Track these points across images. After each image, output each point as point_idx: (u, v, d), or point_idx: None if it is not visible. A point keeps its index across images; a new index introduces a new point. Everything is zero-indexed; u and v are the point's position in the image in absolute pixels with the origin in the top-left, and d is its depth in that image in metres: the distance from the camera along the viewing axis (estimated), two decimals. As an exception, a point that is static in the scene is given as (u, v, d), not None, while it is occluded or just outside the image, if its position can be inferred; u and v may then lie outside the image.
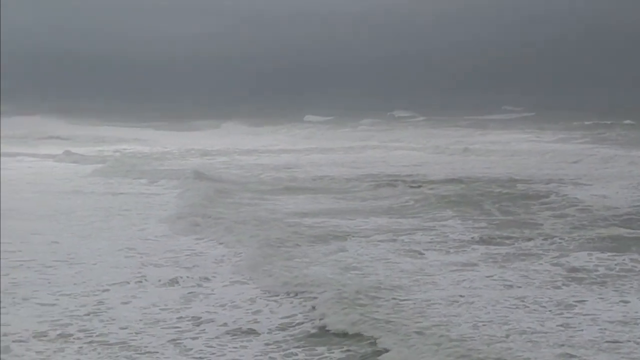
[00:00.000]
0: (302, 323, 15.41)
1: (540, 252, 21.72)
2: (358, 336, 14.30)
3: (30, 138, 78.25)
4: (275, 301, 16.96)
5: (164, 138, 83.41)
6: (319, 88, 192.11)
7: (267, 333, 14.84)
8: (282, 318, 15.71)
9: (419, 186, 36.94)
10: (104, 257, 21.67)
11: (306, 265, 20.06)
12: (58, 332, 15.02)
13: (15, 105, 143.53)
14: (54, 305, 16.86)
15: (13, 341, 14.16)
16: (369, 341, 14.00)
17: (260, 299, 17.22)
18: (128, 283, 18.84)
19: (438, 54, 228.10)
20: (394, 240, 23.29)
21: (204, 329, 15.22)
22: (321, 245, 22.75)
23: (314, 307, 16.10)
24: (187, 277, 19.24)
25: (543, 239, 23.27)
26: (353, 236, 24.11)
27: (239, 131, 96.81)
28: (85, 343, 14.39)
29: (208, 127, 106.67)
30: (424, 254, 21.50)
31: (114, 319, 15.82)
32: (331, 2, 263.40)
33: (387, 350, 13.35)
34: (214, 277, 19.36)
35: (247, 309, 16.48)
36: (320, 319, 15.30)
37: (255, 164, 51.85)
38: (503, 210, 29.34)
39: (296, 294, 17.29)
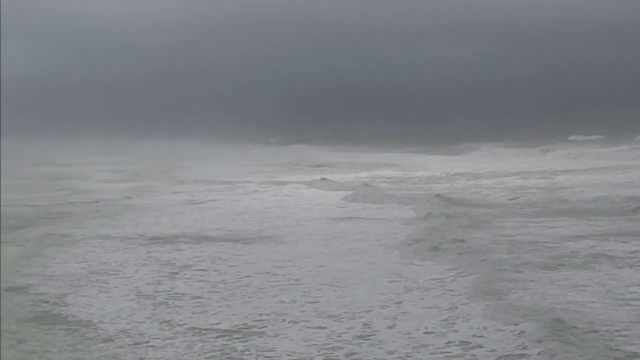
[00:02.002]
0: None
1: None
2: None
3: (293, 165, 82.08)
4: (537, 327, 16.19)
5: (422, 162, 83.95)
6: (583, 106, 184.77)
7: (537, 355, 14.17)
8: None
9: None
10: (367, 281, 21.87)
11: (563, 293, 19.15)
12: (325, 356, 15.14)
13: (285, 135, 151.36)
14: (322, 328, 17.07)
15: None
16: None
17: (524, 322, 16.48)
18: (389, 306, 18.85)
19: None
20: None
21: (475, 355, 14.79)
22: (586, 272, 21.64)
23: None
24: (447, 301, 18.98)
25: None
26: (626, 262, 22.67)
27: (499, 153, 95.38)
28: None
29: (467, 150, 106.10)
30: None
31: (381, 343, 15.78)
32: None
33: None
34: (470, 302, 18.90)
35: (511, 331, 15.89)
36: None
37: (520, 185, 50.66)
38: None
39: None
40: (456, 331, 16.46)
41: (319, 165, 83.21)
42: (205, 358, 15.17)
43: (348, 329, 16.98)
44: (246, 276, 22.96)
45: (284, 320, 17.81)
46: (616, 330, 15.82)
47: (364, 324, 17.34)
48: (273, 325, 17.44)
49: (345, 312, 18.43)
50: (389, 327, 17.07)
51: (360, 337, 16.38)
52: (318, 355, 15.23)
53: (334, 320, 17.76)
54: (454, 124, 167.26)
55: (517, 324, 16.19)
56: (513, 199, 42.48)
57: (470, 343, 15.56)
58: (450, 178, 60.36)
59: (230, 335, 16.57)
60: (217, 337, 16.50)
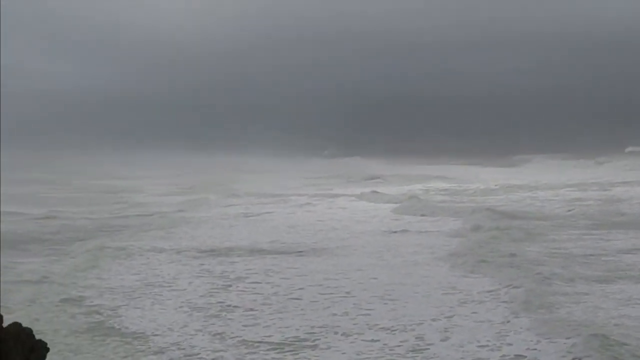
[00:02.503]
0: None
1: None
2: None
3: (347, 178, 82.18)
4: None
5: (477, 174, 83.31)
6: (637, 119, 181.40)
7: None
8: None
9: None
10: (419, 294, 21.74)
11: (617, 307, 18.84)
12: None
13: (339, 147, 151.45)
14: (375, 341, 17.00)
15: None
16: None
17: (574, 337, 16.22)
18: (441, 319, 18.71)
19: None
20: None
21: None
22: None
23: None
24: (499, 314, 18.79)
25: None
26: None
27: (554, 164, 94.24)
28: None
29: (522, 161, 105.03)
30: None
31: (435, 356, 15.69)
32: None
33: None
34: (522, 315, 18.67)
35: (564, 344, 15.66)
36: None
37: (576, 197, 50.00)
38: None
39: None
40: (510, 344, 16.26)
41: (372, 178, 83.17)
42: (257, 371, 15.24)
43: (401, 342, 16.86)
44: (299, 288, 23.00)
45: (336, 333, 17.77)
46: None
47: (417, 337, 17.22)
48: (325, 337, 17.41)
49: (398, 325, 18.32)
50: (442, 340, 16.93)
51: (413, 350, 16.26)
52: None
53: (387, 333, 17.67)
54: (509, 135, 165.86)
55: (569, 338, 15.98)
56: (569, 211, 41.94)
57: (525, 357, 15.39)
58: (504, 190, 59.74)
59: (282, 348, 16.58)
60: (268, 349, 16.53)
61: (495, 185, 61.97)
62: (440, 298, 21.01)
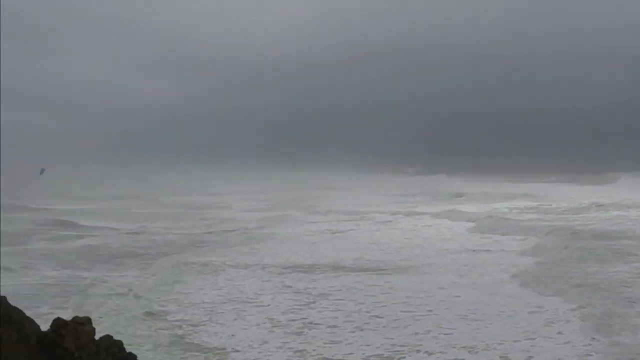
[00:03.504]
0: None
1: None
2: None
3: (430, 196, 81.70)
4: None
5: (565, 192, 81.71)
6: None
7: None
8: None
9: None
10: (503, 313, 21.45)
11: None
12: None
13: (424, 165, 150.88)
14: (458, 360, 16.92)
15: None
16: None
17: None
18: (524, 340, 18.43)
19: None
20: None
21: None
22: None
23: None
24: (581, 335, 18.43)
25: None
26: None
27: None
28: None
29: (614, 178, 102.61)
30: None
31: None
32: None
33: None
34: (604, 338, 18.23)
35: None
36: None
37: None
38: None
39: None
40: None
41: (457, 196, 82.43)
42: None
43: (485, 363, 16.71)
44: (382, 306, 22.95)
45: (418, 352, 17.67)
46: None
47: (501, 357, 17.01)
48: (409, 356, 17.33)
49: (480, 344, 18.11)
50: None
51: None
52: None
53: (469, 352, 17.50)
54: (600, 152, 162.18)
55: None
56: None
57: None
58: (593, 208, 58.39)
59: (363, 367, 16.58)
60: (349, 367, 16.55)
61: (584, 204, 60.59)
62: (524, 318, 20.71)
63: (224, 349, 18.18)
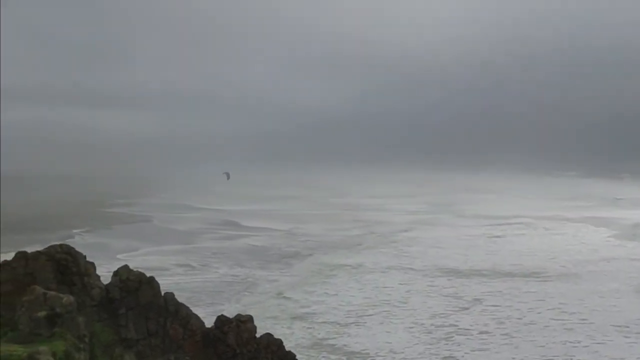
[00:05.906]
0: None
1: None
2: None
3: (589, 201, 78.53)
4: None
5: None
6: None
7: None
8: None
9: None
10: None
11: None
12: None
13: (585, 169, 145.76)
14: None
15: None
16: None
17: None
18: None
19: None
20: None
21: None
22: None
23: None
24: None
25: None
26: None
27: None
28: None
29: None
30: None
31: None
32: None
33: None
34: None
35: None
36: None
37: None
38: None
39: None
40: None
41: (617, 200, 78.46)
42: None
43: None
44: (536, 312, 22.38)
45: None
46: None
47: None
48: (557, 367, 16.77)
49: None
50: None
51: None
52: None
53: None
54: None
55: None
56: None
57: None
58: None
59: (511, 378, 16.17)
60: (496, 378, 16.17)
61: None
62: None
63: (368, 353, 18.19)
